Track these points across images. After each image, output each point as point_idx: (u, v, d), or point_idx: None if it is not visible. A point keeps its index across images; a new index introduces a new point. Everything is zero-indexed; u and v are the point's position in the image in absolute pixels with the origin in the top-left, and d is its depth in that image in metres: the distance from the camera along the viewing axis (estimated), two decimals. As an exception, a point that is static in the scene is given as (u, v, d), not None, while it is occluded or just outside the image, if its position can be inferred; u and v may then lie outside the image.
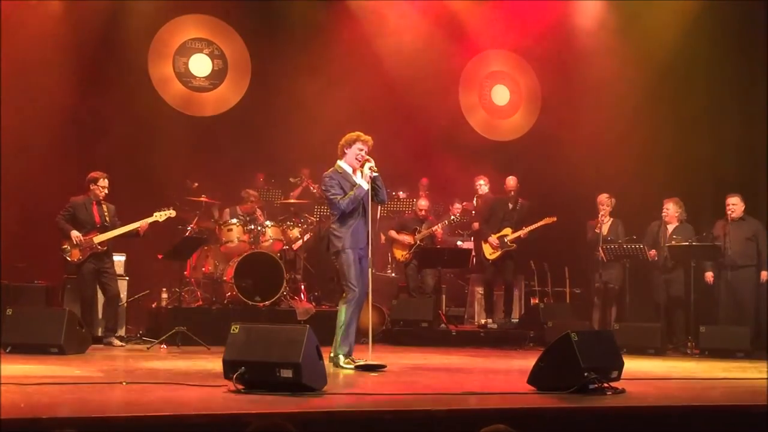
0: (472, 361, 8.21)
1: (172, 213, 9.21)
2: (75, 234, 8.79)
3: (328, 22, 11.81)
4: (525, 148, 12.61)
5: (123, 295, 9.49)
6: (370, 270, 6.97)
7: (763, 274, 9.69)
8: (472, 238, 11.58)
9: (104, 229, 8.93)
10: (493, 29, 12.58)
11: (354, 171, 7.06)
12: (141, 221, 8.98)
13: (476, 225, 11.32)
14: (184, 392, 5.31)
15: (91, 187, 8.98)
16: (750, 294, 9.77)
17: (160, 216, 9.07)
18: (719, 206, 10.04)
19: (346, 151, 7.09)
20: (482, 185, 11.43)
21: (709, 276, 9.81)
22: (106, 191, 9.03)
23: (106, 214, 9.01)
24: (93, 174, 9.04)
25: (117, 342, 8.80)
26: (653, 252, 9.94)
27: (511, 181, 10.71)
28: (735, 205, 9.75)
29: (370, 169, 6.95)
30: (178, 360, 7.70)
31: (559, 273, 11.50)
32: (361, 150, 7.03)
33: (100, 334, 8.97)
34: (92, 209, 8.97)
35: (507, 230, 10.44)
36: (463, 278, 11.78)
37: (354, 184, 6.98)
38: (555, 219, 10.38)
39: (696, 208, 10.76)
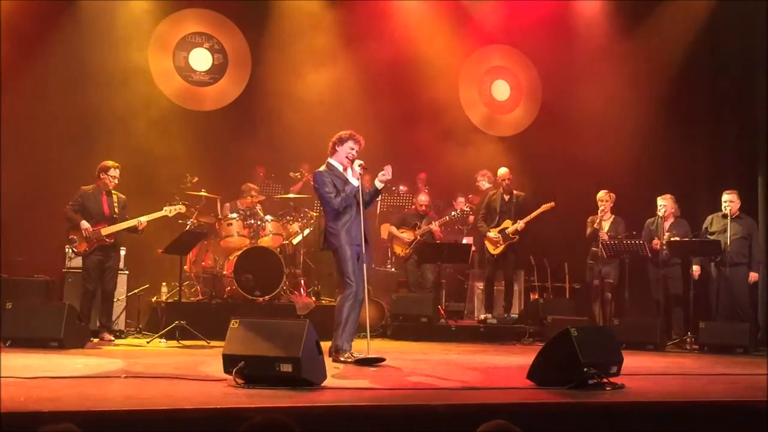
0: (471, 356, 8.21)
1: (182, 208, 9.19)
2: (85, 225, 8.73)
3: (328, 17, 11.79)
4: (525, 143, 12.60)
5: (123, 289, 9.49)
6: (364, 266, 6.98)
7: (752, 275, 9.78)
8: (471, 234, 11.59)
9: (113, 220, 8.87)
10: (494, 24, 12.57)
11: (345, 168, 7.11)
12: (150, 215, 8.94)
13: (471, 218, 11.32)
14: (183, 386, 5.31)
15: (102, 177, 8.90)
16: (747, 290, 9.80)
17: (169, 211, 9.05)
18: (715, 203, 10.04)
19: (337, 148, 7.14)
20: (482, 180, 11.41)
21: (696, 271, 9.86)
22: (116, 181, 8.96)
23: (115, 204, 8.95)
24: (104, 163, 8.96)
25: (108, 337, 8.77)
26: (656, 242, 9.95)
27: (504, 171, 10.67)
28: (732, 201, 9.76)
29: (360, 166, 7.01)
30: (178, 354, 7.71)
31: (558, 268, 11.50)
32: (353, 149, 7.10)
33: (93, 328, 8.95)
34: (101, 199, 8.91)
35: (507, 222, 10.45)
36: (463, 273, 11.77)
37: (346, 181, 7.02)
38: (553, 204, 10.40)
39: (693, 205, 10.76)
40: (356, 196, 7.01)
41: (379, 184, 7.11)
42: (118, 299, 9.35)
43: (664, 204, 10.05)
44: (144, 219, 8.91)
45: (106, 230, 8.80)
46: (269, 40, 11.82)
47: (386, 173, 7.06)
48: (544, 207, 10.41)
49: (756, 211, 10.54)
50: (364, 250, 6.98)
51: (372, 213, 10.81)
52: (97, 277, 8.86)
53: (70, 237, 8.82)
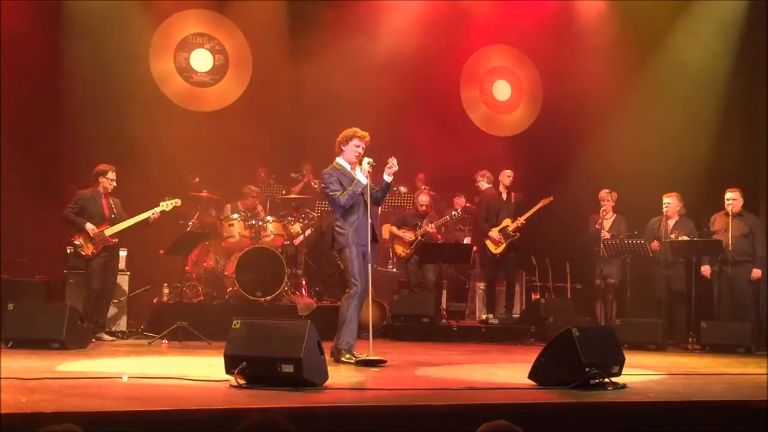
0: (472, 356, 8.22)
1: (177, 202, 9.20)
2: (90, 227, 8.73)
3: (329, 17, 11.79)
4: (526, 143, 12.60)
5: (125, 289, 9.50)
6: (369, 266, 6.97)
7: (755, 272, 9.67)
8: (472, 234, 11.58)
9: (113, 221, 8.90)
10: (495, 25, 12.58)
11: (352, 167, 7.09)
12: (148, 212, 8.96)
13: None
14: (185, 387, 5.32)
15: (100, 180, 8.94)
16: (749, 289, 9.76)
17: (166, 205, 9.06)
18: (718, 202, 10.04)
19: (343, 147, 7.12)
20: (482, 181, 11.40)
21: (706, 270, 9.81)
22: (114, 183, 9.00)
23: (113, 206, 9.00)
24: (101, 166, 8.99)
25: (107, 337, 8.78)
26: (655, 243, 9.93)
27: (507, 172, 10.67)
28: (735, 200, 9.73)
29: (368, 164, 6.98)
30: (180, 355, 7.71)
31: (560, 268, 11.50)
32: (358, 146, 7.07)
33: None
34: (101, 201, 8.94)
35: (507, 221, 10.45)
36: (464, 274, 11.77)
37: (353, 180, 7.00)
38: (551, 198, 10.41)
39: (695, 203, 10.76)
40: (364, 195, 7.00)
41: (388, 178, 7.09)
42: (120, 300, 9.36)
43: (669, 202, 10.02)
44: (146, 215, 8.93)
45: (109, 230, 8.82)
46: (270, 40, 11.83)
47: (392, 165, 7.04)
48: (543, 202, 10.43)
49: (757, 212, 10.50)
50: (370, 249, 6.97)
51: (374, 213, 10.80)
52: (102, 278, 8.87)
53: (76, 242, 8.78)
